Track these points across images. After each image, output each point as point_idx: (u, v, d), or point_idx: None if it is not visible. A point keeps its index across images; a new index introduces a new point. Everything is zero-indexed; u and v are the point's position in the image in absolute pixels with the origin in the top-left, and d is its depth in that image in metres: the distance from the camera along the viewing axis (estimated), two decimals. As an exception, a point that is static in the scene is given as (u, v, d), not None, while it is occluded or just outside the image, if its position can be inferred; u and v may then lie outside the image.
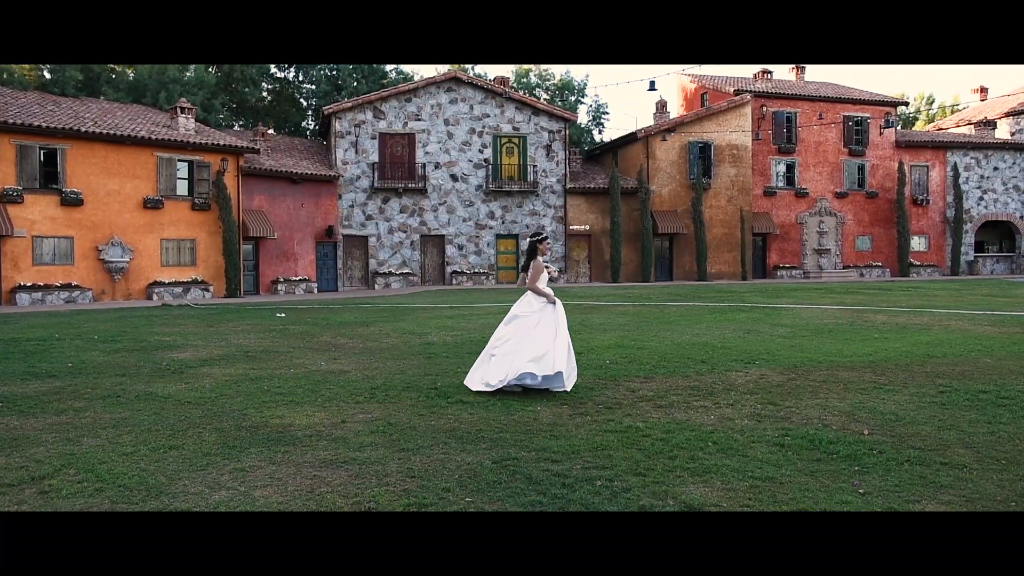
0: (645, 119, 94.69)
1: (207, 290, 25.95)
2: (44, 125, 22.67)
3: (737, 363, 8.83)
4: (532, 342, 6.96)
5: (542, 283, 7.24)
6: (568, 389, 7.06)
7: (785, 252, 36.44)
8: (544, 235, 7.45)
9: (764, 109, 35.68)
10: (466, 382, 7.40)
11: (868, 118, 37.28)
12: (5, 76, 31.71)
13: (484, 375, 7.18)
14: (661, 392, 7.15)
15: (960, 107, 47.40)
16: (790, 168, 36.46)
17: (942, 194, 38.60)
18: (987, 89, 45.31)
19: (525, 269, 7.35)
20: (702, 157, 34.50)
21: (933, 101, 59.86)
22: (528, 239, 7.43)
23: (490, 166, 32.51)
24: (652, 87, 29.64)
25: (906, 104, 45.34)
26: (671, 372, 8.27)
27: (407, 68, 44.83)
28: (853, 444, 5.16)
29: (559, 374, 6.89)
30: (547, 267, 7.27)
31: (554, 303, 7.19)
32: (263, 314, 17.45)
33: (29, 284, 22.50)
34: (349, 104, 31.17)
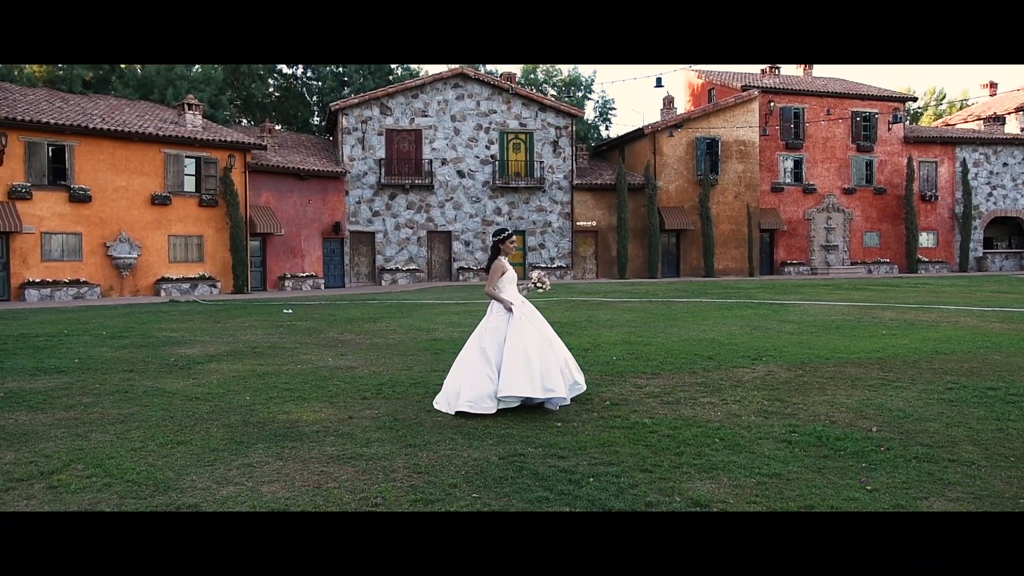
0: (652, 115, 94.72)
1: (214, 286, 26.02)
2: (52, 122, 22.76)
3: (744, 359, 8.81)
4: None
5: (503, 287, 6.47)
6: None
7: (792, 248, 36.31)
8: (507, 232, 6.62)
9: (772, 105, 35.54)
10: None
11: (876, 114, 37.10)
12: (16, 73, 31.81)
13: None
14: (668, 388, 7.14)
15: (970, 102, 47.11)
16: (798, 164, 36.32)
17: (951, 190, 38.40)
18: (996, 84, 45.04)
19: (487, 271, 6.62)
20: (709, 153, 34.39)
21: (944, 97, 59.54)
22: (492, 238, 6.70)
23: (497, 162, 32.48)
24: (659, 84, 29.58)
25: (914, 99, 45.10)
26: (678, 368, 8.26)
27: (413, 65, 44.81)
28: (861, 441, 5.14)
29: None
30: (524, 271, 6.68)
31: (510, 311, 6.31)
32: (270, 310, 17.49)
33: (38, 280, 22.60)
34: (356, 100, 31.17)
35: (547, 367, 6.15)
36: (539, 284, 6.75)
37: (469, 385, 6.16)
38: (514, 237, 6.65)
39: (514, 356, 6.12)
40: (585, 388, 6.63)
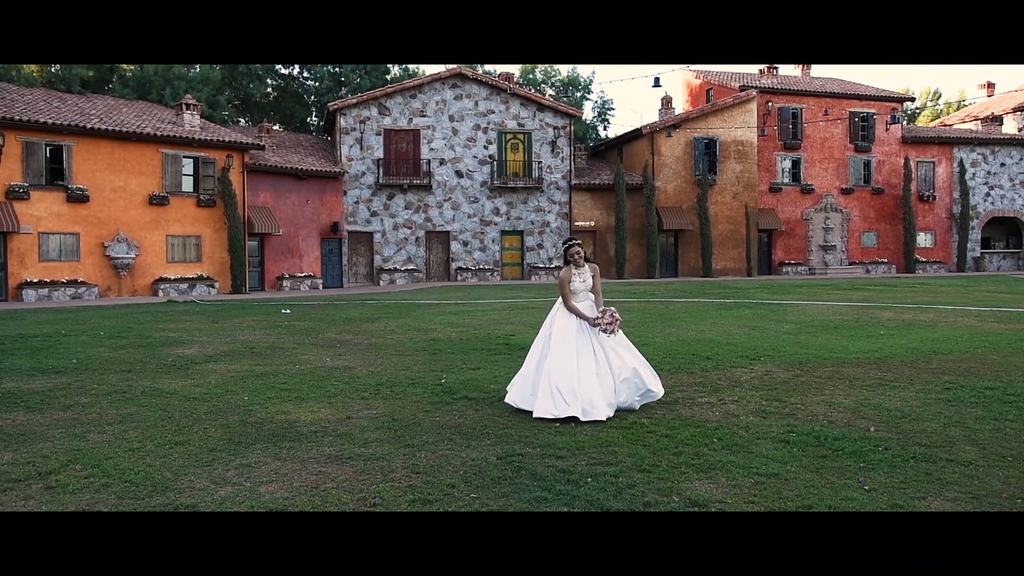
0: (650, 115, 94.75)
1: (212, 286, 26.00)
2: (50, 122, 22.72)
3: (742, 359, 8.81)
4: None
5: (574, 299, 6.27)
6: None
7: (791, 248, 36.34)
8: (569, 241, 6.39)
9: (770, 105, 35.56)
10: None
11: (874, 114, 37.14)
12: (14, 73, 31.76)
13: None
14: (666, 388, 7.13)
15: (967, 103, 47.17)
16: (796, 164, 36.35)
17: (948, 190, 38.44)
18: (994, 85, 45.11)
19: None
20: (707, 153, 34.41)
21: (940, 96, 59.69)
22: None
23: (495, 162, 32.47)
24: (656, 83, 29.60)
25: (912, 100, 45.12)
26: (676, 368, 8.26)
27: (411, 65, 44.80)
28: (858, 441, 5.15)
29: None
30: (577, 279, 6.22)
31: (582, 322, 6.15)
32: (268, 310, 17.47)
33: (35, 280, 22.56)
34: (354, 100, 31.15)
35: (588, 390, 5.87)
36: (607, 326, 6.12)
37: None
38: (576, 246, 6.32)
39: (547, 380, 5.96)
40: (660, 395, 6.34)
